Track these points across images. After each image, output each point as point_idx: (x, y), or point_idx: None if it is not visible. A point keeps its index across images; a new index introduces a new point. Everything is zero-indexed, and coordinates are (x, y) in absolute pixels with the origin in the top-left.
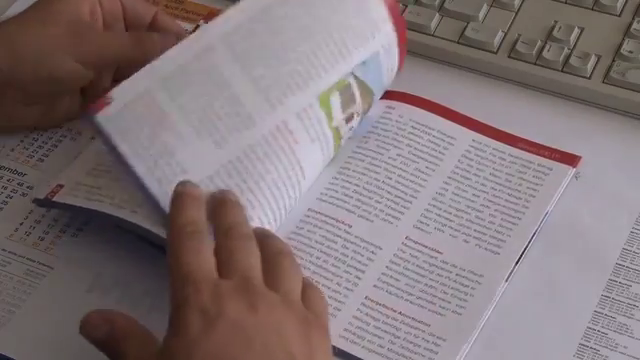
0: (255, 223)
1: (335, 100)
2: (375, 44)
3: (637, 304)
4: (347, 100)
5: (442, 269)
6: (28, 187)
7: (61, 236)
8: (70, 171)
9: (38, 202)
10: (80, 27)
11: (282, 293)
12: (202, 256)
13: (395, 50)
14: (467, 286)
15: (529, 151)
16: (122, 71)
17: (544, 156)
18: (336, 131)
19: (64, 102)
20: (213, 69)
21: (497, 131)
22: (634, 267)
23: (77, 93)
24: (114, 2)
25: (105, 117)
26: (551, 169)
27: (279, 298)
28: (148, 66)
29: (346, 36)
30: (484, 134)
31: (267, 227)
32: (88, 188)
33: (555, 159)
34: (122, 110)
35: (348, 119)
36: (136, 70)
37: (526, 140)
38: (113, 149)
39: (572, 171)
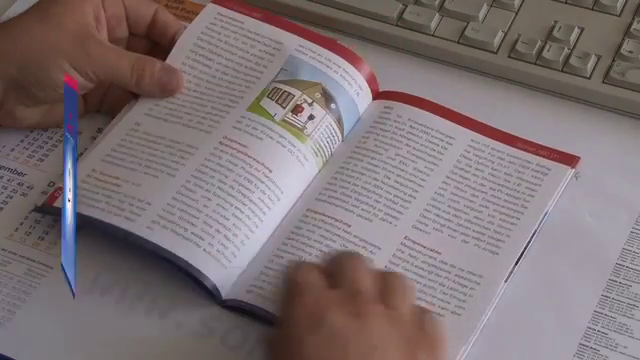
0: (231, 222)
1: (267, 102)
2: (282, 55)
3: (637, 304)
4: (280, 97)
5: (441, 269)
6: (28, 187)
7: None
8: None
9: (37, 209)
10: (86, 38)
11: (392, 308)
12: (312, 271)
13: (310, 45)
14: (466, 286)
15: (528, 151)
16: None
17: (543, 156)
18: (287, 124)
19: None
20: (145, 136)
21: (496, 131)
22: (634, 267)
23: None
24: (117, 5)
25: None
26: (550, 169)
27: (387, 312)
28: (91, 150)
29: (249, 65)
30: (483, 134)
31: (249, 224)
32: (88, 193)
33: (554, 159)
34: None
35: (296, 110)
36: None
37: (525, 140)
38: (80, 218)
39: (571, 171)
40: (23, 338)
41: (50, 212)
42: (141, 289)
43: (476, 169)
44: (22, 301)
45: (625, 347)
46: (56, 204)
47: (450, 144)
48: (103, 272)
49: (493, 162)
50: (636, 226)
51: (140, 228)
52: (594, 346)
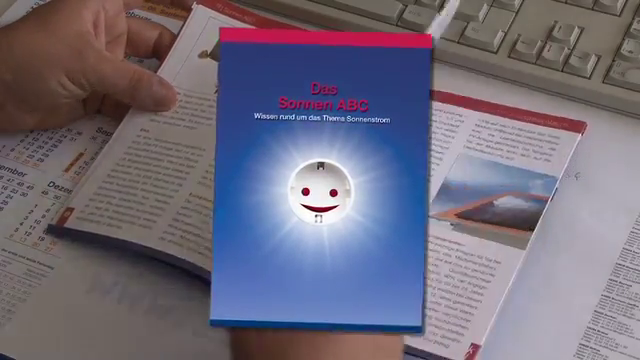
0: None
1: None
2: None
3: (637, 304)
4: None
5: (444, 290)
6: (28, 187)
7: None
8: (79, 195)
9: (49, 230)
10: (84, 47)
11: None
12: None
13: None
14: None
15: (537, 123)
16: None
17: (553, 126)
18: None
19: (64, 109)
20: (154, 142)
21: (502, 107)
22: (634, 267)
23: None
24: (117, 3)
25: (74, 222)
26: (560, 138)
27: None
28: (93, 168)
29: None
30: (490, 112)
31: None
32: (98, 211)
33: (564, 128)
34: (84, 210)
35: None
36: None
37: (532, 112)
38: (88, 235)
39: (579, 137)
40: (23, 338)
41: (62, 233)
42: (141, 289)
43: (487, 147)
44: (22, 301)
45: (625, 347)
46: (67, 225)
47: (458, 126)
48: (103, 272)
49: (504, 138)
50: (636, 226)
51: (152, 239)
52: (594, 346)
